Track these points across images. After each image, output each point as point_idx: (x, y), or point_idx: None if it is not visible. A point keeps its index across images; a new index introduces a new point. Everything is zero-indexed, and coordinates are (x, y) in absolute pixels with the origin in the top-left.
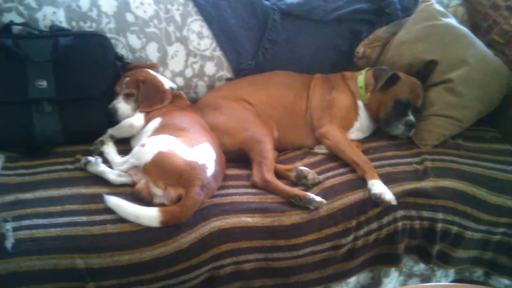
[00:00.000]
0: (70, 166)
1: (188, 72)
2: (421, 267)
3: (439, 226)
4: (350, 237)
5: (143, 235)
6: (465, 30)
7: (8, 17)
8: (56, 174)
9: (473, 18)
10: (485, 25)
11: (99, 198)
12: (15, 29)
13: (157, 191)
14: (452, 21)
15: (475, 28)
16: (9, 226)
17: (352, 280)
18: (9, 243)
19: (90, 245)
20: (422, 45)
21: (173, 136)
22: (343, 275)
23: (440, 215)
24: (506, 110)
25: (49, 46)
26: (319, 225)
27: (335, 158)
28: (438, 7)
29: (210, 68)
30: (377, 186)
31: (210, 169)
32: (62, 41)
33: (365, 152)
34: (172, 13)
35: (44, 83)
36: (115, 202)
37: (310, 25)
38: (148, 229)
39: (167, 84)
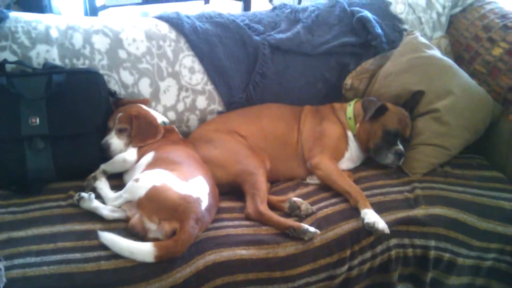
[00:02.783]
0: (63, 203)
1: (180, 106)
2: None
3: (432, 253)
4: (345, 267)
5: (138, 271)
6: (449, 61)
7: (1, 56)
8: (49, 211)
9: (456, 49)
10: (468, 56)
11: (92, 234)
12: (9, 67)
13: (152, 226)
14: (436, 52)
15: (458, 59)
16: (1, 265)
17: None
18: (1, 283)
19: (84, 283)
20: (409, 76)
21: (167, 170)
22: None
23: (432, 243)
24: (491, 137)
25: (43, 84)
26: (313, 256)
27: (327, 188)
28: (423, 39)
29: (201, 102)
30: (370, 215)
31: (204, 202)
32: (56, 78)
33: (356, 181)
34: (164, 49)
35: (37, 120)
36: (109, 238)
37: (299, 59)
38: (143, 265)
39: (160, 118)
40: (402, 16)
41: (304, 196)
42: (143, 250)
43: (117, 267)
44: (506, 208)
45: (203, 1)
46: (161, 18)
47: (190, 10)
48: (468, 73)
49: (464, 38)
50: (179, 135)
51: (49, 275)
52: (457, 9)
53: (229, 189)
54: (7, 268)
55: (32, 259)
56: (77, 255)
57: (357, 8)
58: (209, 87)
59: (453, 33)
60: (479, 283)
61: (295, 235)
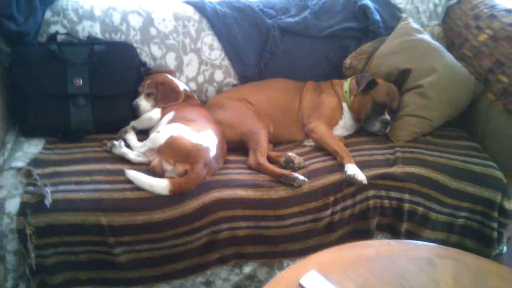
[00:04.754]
0: (98, 149)
1: (200, 78)
2: None
3: (406, 206)
4: (328, 211)
5: (155, 201)
6: (436, 44)
7: (54, 28)
8: (87, 154)
9: (449, 36)
10: (458, 42)
11: (121, 172)
12: (59, 37)
13: (168, 167)
14: (425, 36)
15: (450, 45)
16: (48, 189)
17: None
18: (48, 202)
19: (112, 207)
20: (399, 56)
21: (183, 124)
22: (324, 247)
23: (406, 196)
24: (473, 113)
25: (86, 52)
26: (301, 200)
27: (320, 150)
28: (414, 25)
29: (218, 75)
30: (352, 169)
31: (213, 151)
32: (97, 48)
33: (347, 145)
34: (188, 28)
35: (80, 82)
36: (134, 174)
37: (306, 41)
38: (160, 197)
39: (182, 86)
40: (401, 6)
41: (299, 155)
42: (160, 185)
43: (139, 197)
44: (476, 171)
45: None
46: (187, 2)
47: None
48: (457, 57)
49: (457, 26)
50: (197, 101)
51: (84, 199)
52: (453, 1)
53: (237, 146)
54: (53, 192)
55: (72, 187)
56: (107, 186)
57: None
58: (226, 62)
59: (448, 22)
60: (454, 240)
61: (286, 181)
